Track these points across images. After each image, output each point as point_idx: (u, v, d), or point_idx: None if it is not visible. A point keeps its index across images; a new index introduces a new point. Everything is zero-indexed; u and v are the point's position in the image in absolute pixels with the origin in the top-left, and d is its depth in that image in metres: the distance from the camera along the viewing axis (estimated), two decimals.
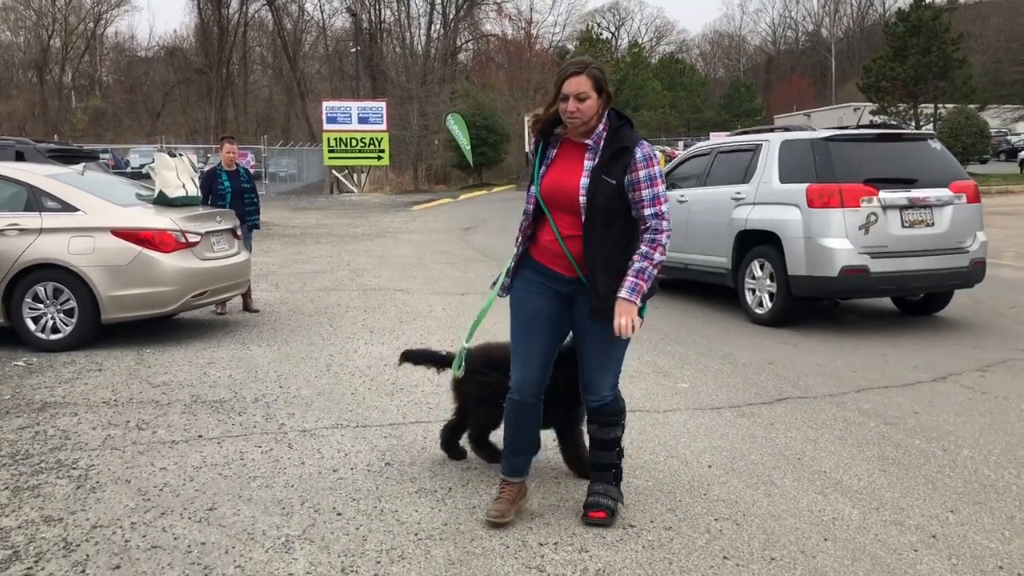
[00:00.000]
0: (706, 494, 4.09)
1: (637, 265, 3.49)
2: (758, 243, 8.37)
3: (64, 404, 5.69)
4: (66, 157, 11.25)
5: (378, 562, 3.40)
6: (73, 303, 7.34)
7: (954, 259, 7.89)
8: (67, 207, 7.50)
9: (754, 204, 8.35)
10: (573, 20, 67.56)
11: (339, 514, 3.87)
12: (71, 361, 6.94)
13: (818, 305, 8.82)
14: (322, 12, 69.37)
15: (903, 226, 7.75)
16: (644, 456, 4.60)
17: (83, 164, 8.86)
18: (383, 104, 35.76)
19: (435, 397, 5.78)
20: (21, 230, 7.37)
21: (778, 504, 3.97)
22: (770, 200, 8.22)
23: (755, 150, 8.70)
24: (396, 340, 7.63)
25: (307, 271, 12.77)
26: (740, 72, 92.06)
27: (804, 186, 7.84)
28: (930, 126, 34.32)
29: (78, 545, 3.56)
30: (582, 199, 3.49)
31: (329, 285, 11.28)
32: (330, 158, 35.14)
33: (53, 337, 7.36)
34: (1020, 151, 41.06)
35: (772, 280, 8.13)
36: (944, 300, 8.69)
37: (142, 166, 30.06)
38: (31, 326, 7.36)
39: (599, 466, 3.82)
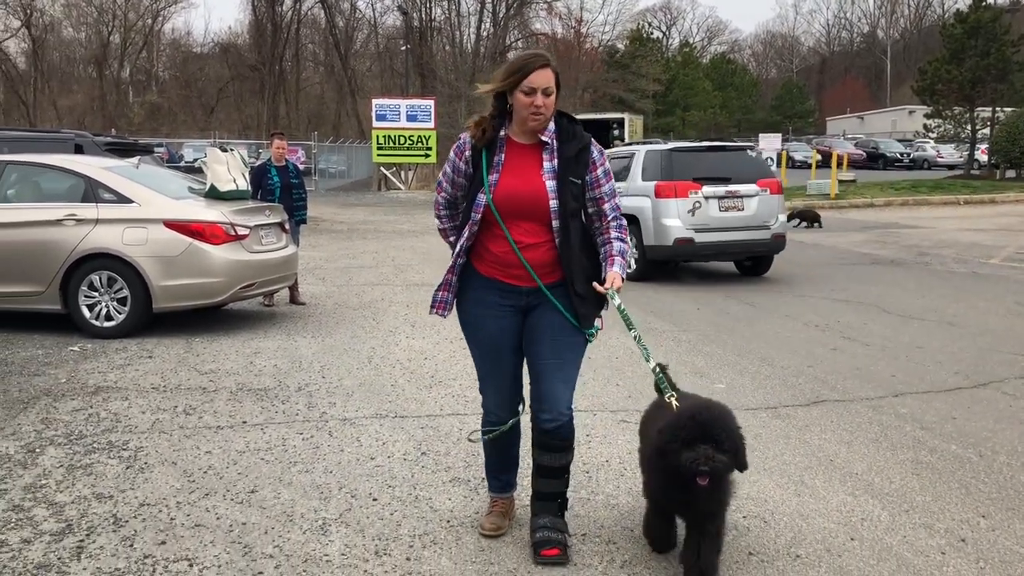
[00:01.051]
0: (735, 493, 4.12)
1: (619, 246, 3.40)
2: (629, 224, 11.30)
3: (116, 388, 5.90)
4: (122, 150, 11.56)
5: (411, 546, 3.51)
6: (126, 292, 7.58)
7: (759, 234, 11.10)
8: (122, 199, 7.75)
9: (627, 195, 10.76)
10: (623, 19, 67.12)
11: (375, 500, 3.99)
12: (123, 348, 7.18)
13: (666, 267, 11.59)
14: (374, 10, 70.12)
15: (720, 210, 10.91)
16: None
17: (138, 157, 9.14)
18: (431, 102, 36.01)
19: (471, 391, 5.86)
20: (78, 220, 7.63)
21: (807, 504, 4.00)
22: (635, 193, 11.08)
23: (631, 156, 11.81)
24: (437, 334, 7.75)
25: (353, 266, 12.98)
26: (793, 73, 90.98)
27: (654, 183, 10.96)
28: (987, 130, 33.65)
29: (127, 521, 3.73)
30: (553, 203, 3.31)
31: (374, 280, 11.46)
32: (379, 155, 35.48)
33: (107, 324, 7.61)
34: None
35: (636, 249, 10.94)
36: (766, 265, 11.79)
37: (195, 160, 30.72)
38: (86, 313, 7.62)
39: (544, 495, 3.51)
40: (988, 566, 3.40)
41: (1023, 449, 4.78)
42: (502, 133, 3.40)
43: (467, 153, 3.42)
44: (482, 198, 3.33)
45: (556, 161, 3.36)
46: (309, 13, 65.71)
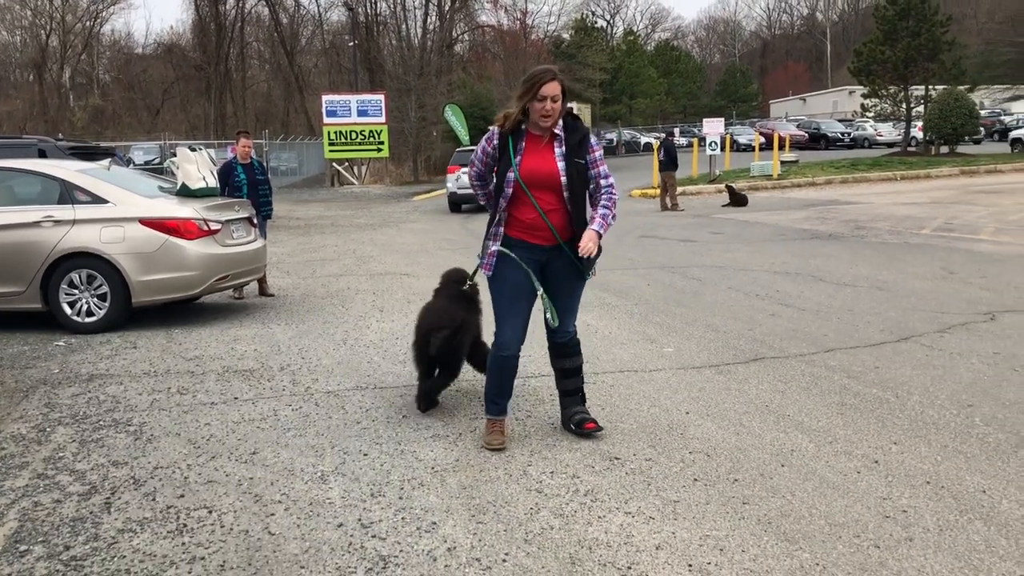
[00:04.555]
0: (683, 434, 4.70)
1: (603, 211, 4.35)
2: None
3: (109, 376, 6.30)
4: (86, 154, 11.83)
5: (402, 488, 4.02)
6: (106, 288, 7.93)
7: None
8: (97, 199, 8.09)
9: None
10: (568, 9, 68.16)
11: (365, 455, 4.49)
12: (107, 341, 7.55)
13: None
14: (318, 6, 69.73)
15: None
16: (630, 406, 5.21)
17: (108, 159, 9.46)
18: (382, 97, 36.30)
19: None
20: (56, 221, 7.96)
21: (745, 440, 4.58)
22: None
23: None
24: (405, 318, 8.22)
25: (315, 259, 13.37)
26: (736, 58, 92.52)
27: None
28: (920, 108, 34.83)
29: (145, 481, 4.18)
30: (563, 179, 4.29)
31: (338, 271, 11.88)
32: (331, 151, 35.71)
33: (88, 320, 7.96)
34: (1012, 131, 41.63)
35: None
36: None
37: (147, 163, 30.67)
38: (67, 310, 7.96)
39: (570, 391, 4.73)
40: (895, 479, 4.01)
41: (934, 390, 5.42)
42: (523, 127, 4.37)
43: (495, 141, 4.40)
44: (511, 176, 4.32)
45: (564, 148, 4.35)
46: (253, 11, 65.39)
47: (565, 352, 4.68)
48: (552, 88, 4.20)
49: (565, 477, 4.11)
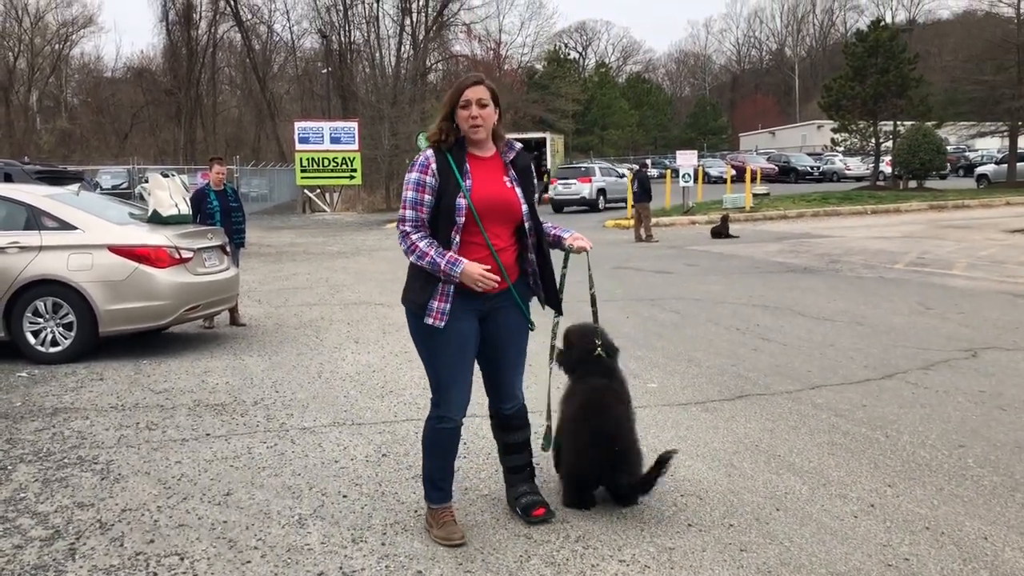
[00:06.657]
0: (673, 475, 4.55)
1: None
2: None
3: (74, 409, 6.06)
4: (53, 178, 11.57)
5: (384, 533, 3.84)
6: (72, 317, 7.69)
7: (588, 197, 32.38)
8: (65, 226, 7.87)
9: None
10: (541, 41, 68.52)
11: (344, 496, 4.30)
12: (72, 372, 7.29)
13: None
14: (291, 33, 69.43)
15: (564, 187, 33.07)
16: None
17: (78, 184, 9.24)
18: (355, 124, 36.19)
19: (423, 399, 6.20)
20: (22, 248, 7.72)
21: (737, 482, 4.45)
22: None
23: None
24: (381, 349, 8.05)
25: (288, 287, 13.14)
26: (705, 91, 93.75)
27: None
28: (889, 143, 35.37)
29: (112, 525, 3.96)
30: (524, 207, 3.69)
31: (311, 300, 11.66)
32: (303, 178, 35.48)
33: (52, 350, 7.70)
34: (977, 167, 42.40)
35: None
36: (592, 208, 30.45)
37: (114, 187, 30.22)
38: (31, 340, 7.70)
39: (516, 468, 4.02)
40: (893, 525, 3.89)
41: (923, 429, 5.34)
42: (464, 149, 3.69)
43: (433, 166, 3.61)
44: (462, 202, 3.55)
45: (513, 172, 3.76)
46: (225, 36, 65.15)
47: (511, 425, 3.95)
48: (476, 91, 3.59)
49: (555, 522, 3.95)
